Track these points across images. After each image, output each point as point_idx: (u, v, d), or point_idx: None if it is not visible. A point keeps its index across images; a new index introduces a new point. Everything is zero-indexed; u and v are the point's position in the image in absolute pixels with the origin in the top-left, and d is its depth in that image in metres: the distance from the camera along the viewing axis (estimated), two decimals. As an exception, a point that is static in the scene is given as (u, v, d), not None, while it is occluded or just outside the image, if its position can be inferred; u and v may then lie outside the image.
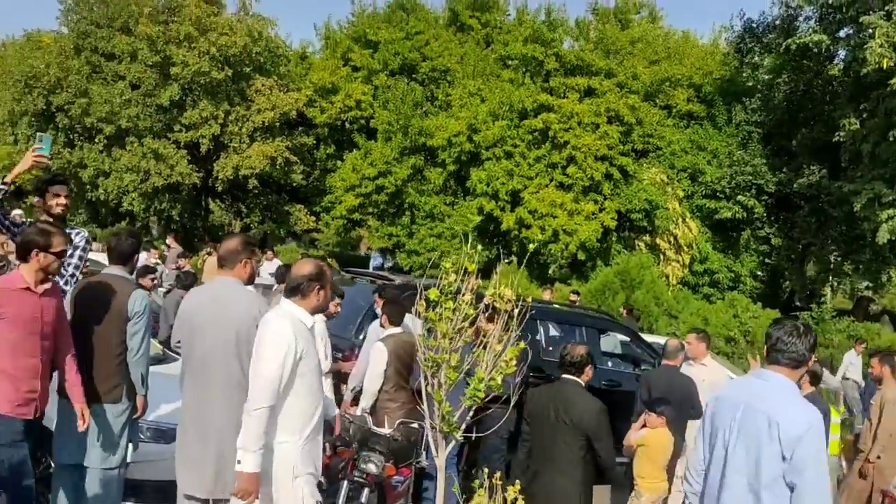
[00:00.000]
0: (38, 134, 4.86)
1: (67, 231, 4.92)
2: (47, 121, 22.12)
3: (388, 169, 22.98)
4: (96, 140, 22.02)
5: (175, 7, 22.50)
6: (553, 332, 8.69)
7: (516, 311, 2.97)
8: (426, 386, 2.94)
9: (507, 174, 21.56)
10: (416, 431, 5.22)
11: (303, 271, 3.68)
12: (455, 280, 3.07)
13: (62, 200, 4.82)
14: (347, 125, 26.13)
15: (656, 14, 29.24)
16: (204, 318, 4.06)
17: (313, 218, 26.24)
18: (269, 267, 13.28)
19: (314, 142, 25.91)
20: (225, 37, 22.03)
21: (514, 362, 2.90)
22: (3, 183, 4.47)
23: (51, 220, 4.74)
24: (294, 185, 25.25)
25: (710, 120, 23.99)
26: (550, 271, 22.30)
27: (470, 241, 3.06)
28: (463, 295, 2.99)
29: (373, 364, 5.76)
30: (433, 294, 3.01)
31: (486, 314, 3.14)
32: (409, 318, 6.39)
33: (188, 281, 10.46)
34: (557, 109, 21.61)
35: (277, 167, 23.14)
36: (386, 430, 5.19)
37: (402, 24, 26.37)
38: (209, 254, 14.08)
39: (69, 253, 4.82)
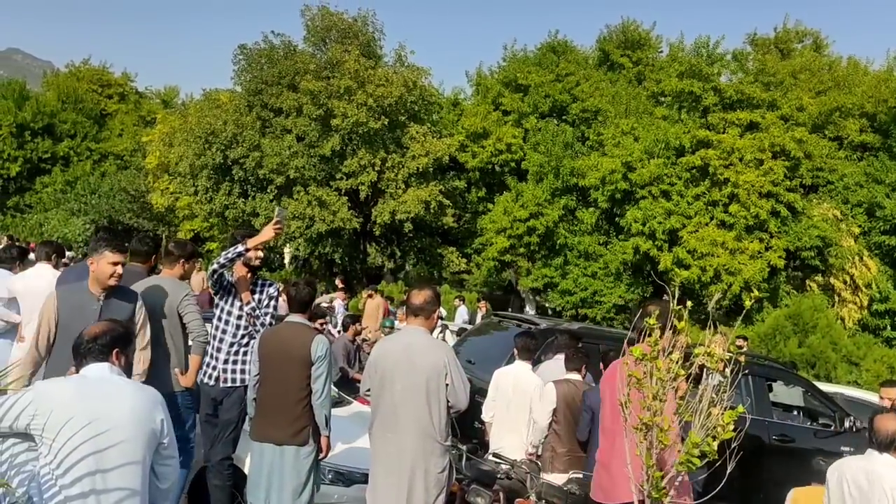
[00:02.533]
0: (276, 208, 5.24)
1: (263, 282, 5.28)
2: (224, 173, 23.98)
3: (539, 210, 22.95)
4: (268, 190, 23.61)
5: (336, 63, 23.86)
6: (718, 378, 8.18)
7: (728, 370, 2.80)
8: (639, 448, 2.82)
9: (665, 213, 20.89)
10: (588, 485, 5.08)
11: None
12: (655, 335, 2.95)
13: (259, 254, 5.16)
14: (498, 168, 26.45)
15: (821, 42, 27.62)
16: (395, 366, 4.15)
17: (464, 260, 26.61)
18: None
19: (466, 185, 26.40)
20: (382, 88, 23.06)
21: (731, 427, 2.72)
22: (246, 249, 4.86)
23: (249, 270, 5.11)
24: (446, 227, 25.78)
25: (886, 150, 22.19)
26: (710, 313, 21.19)
27: (676, 296, 2.92)
28: (671, 352, 2.86)
29: (543, 401, 5.74)
30: (637, 351, 2.91)
31: (690, 371, 2.99)
32: (551, 364, 6.35)
33: (348, 323, 10.83)
34: (717, 145, 20.77)
35: (431, 211, 23.74)
36: (560, 481, 5.10)
37: (553, 66, 26.52)
38: (370, 296, 14.54)
39: (265, 303, 5.17)
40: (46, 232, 29.21)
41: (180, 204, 26.77)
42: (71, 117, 36.05)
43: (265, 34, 25.50)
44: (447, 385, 4.03)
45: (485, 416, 6.24)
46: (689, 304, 3.25)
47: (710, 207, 21.10)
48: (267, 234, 4.88)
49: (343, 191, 23.73)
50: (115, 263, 4.28)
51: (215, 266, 4.96)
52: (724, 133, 21.28)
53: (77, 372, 2.95)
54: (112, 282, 4.30)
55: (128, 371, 3.06)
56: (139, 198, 30.44)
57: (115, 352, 2.96)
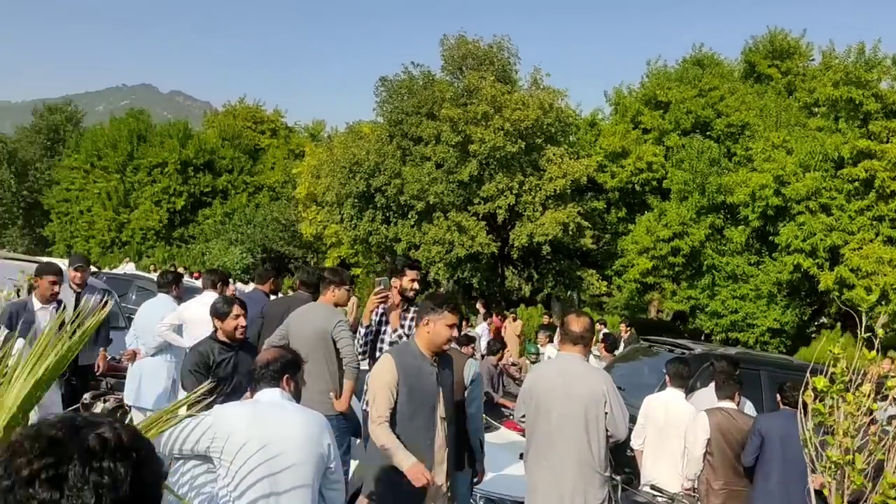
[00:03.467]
0: (377, 279, 5.40)
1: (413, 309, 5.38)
2: (367, 201, 24.86)
3: (683, 230, 22.12)
4: (409, 216, 24.23)
5: (473, 90, 24.22)
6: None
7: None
8: (827, 489, 2.60)
9: (826, 228, 19.53)
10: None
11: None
12: (841, 366, 2.72)
13: (416, 285, 5.27)
14: (638, 187, 25.79)
15: None
16: (550, 393, 4.10)
17: (604, 282, 26.04)
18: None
19: (605, 206, 25.90)
20: (518, 112, 23.14)
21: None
22: (367, 328, 5.14)
23: (403, 300, 5.21)
24: (585, 249, 25.37)
25: None
26: (881, 336, 19.50)
27: (864, 323, 2.68)
28: (861, 385, 2.63)
29: (697, 432, 5.48)
30: (820, 383, 2.69)
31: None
32: (706, 393, 6.03)
33: (496, 348, 10.85)
34: (881, 156, 19.23)
35: (569, 233, 23.46)
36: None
37: (695, 81, 25.64)
38: (514, 320, 14.52)
39: (408, 329, 5.29)
40: (208, 261, 31.37)
41: (327, 232, 27.98)
42: (229, 153, 38.71)
43: (405, 66, 26.35)
44: (606, 413, 3.92)
45: (634, 444, 6.05)
46: (863, 328, 2.98)
47: (875, 222, 19.54)
48: (371, 304, 5.07)
49: (481, 215, 23.93)
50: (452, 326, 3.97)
51: (360, 350, 5.13)
52: (888, 143, 19.68)
53: (251, 397, 3.11)
54: (446, 346, 4.02)
55: (297, 396, 3.19)
56: (290, 227, 32.11)
57: (285, 377, 3.10)
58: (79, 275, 6.77)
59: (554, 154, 23.88)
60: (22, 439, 1.11)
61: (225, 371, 4.70)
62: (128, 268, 23.37)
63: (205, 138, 39.50)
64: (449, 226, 23.41)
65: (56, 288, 5.97)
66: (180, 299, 7.00)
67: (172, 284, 7.05)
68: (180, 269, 21.13)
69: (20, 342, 2.95)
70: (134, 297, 14.25)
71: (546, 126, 24.22)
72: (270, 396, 3.03)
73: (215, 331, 4.86)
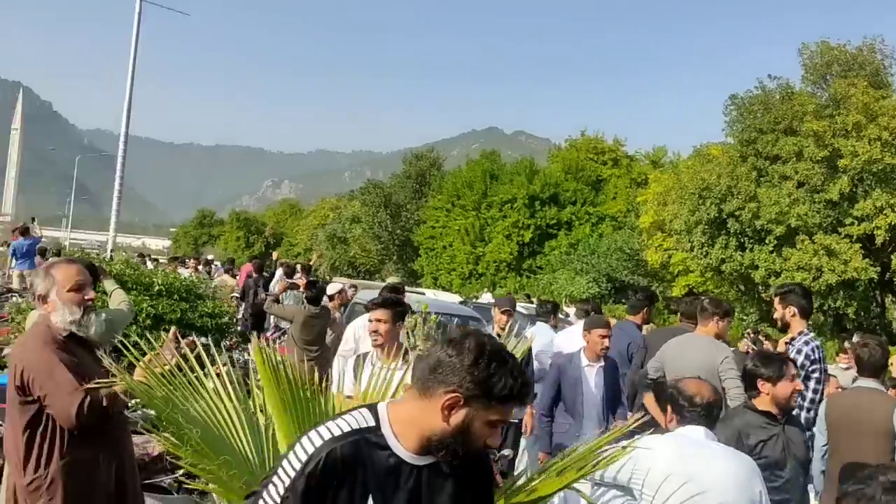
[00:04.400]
0: None
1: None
2: (719, 227, 23.67)
3: None
4: (766, 241, 22.52)
5: (840, 99, 21.85)
6: None
7: None
8: None
9: None
10: None
11: None
12: None
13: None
14: None
15: None
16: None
17: None
18: None
19: None
20: (897, 119, 20.31)
21: None
22: None
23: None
24: None
25: None
26: None
27: None
28: None
29: None
30: None
31: None
32: None
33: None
34: None
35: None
36: None
37: None
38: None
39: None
40: (555, 290, 32.48)
41: (674, 260, 27.21)
42: (572, 186, 39.92)
43: (759, 80, 24.77)
44: None
45: None
46: None
47: None
48: None
49: (855, 237, 21.30)
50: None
51: None
52: None
53: (670, 426, 3.06)
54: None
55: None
56: (634, 256, 31.90)
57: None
58: (504, 318, 6.15)
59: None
60: None
61: (774, 452, 3.35)
62: (484, 297, 25.19)
63: (549, 173, 41.26)
64: (816, 250, 21.24)
65: (606, 342, 5.43)
66: (555, 328, 7.30)
67: (551, 314, 7.37)
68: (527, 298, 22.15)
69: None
70: (498, 325, 15.22)
71: (936, 132, 20.85)
72: (696, 434, 2.95)
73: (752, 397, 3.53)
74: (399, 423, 1.73)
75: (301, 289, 9.45)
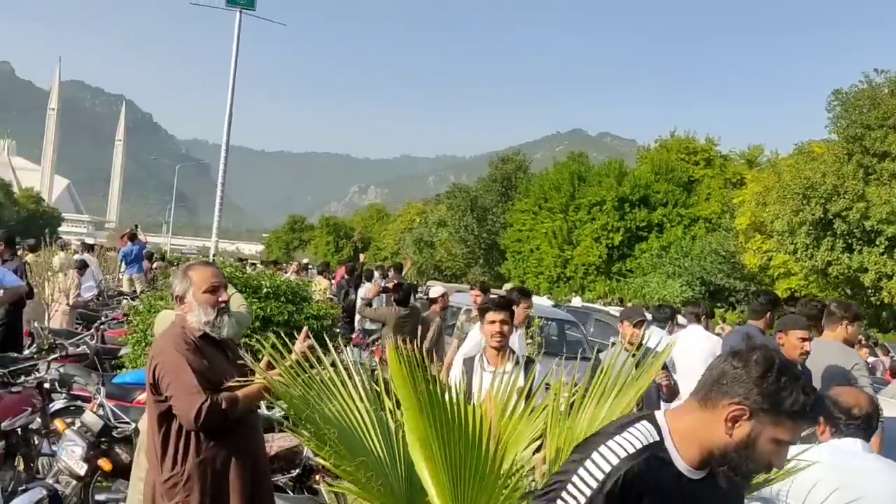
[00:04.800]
0: None
1: None
2: (825, 228, 22.56)
3: None
4: (877, 242, 21.33)
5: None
6: None
7: None
8: None
9: None
10: None
11: None
12: None
13: None
14: None
15: None
16: None
17: None
18: None
19: None
20: None
21: None
22: None
23: None
24: None
25: None
26: None
27: None
28: None
29: None
30: None
31: None
32: None
33: None
34: None
35: None
36: None
37: None
38: None
39: None
40: (647, 294, 31.74)
41: (774, 262, 26.11)
42: (663, 187, 38.93)
43: (865, 74, 23.51)
44: None
45: None
46: None
47: None
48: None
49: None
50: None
51: None
52: None
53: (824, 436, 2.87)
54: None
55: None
56: (730, 258, 30.80)
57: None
58: (636, 332, 5.57)
59: None
60: None
61: None
62: (574, 301, 24.83)
63: (639, 174, 40.39)
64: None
65: (806, 346, 4.71)
66: (669, 334, 7.07)
67: (668, 320, 7.15)
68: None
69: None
70: (592, 329, 14.99)
71: None
72: (852, 447, 2.75)
73: None
74: (679, 435, 1.70)
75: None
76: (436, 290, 9.04)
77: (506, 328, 3.85)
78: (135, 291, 13.52)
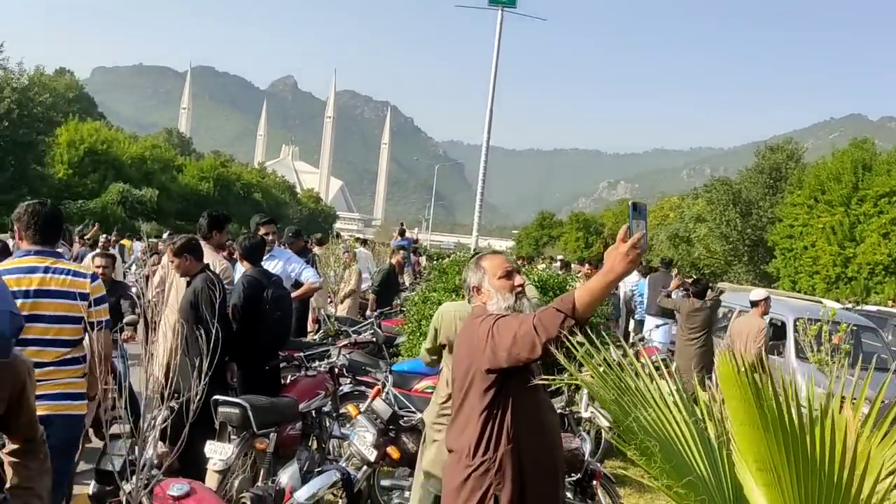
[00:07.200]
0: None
1: None
2: None
3: None
4: None
5: None
6: None
7: None
8: None
9: None
10: None
11: None
12: None
13: None
14: None
15: None
16: None
17: None
18: None
19: None
20: None
21: None
22: None
23: None
24: None
25: None
26: None
27: None
28: None
29: None
30: None
31: None
32: None
33: None
34: None
35: None
36: None
37: None
38: None
39: None
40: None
41: None
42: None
43: None
44: None
45: None
46: None
47: None
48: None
49: None
50: None
51: None
52: None
53: None
54: None
55: None
56: None
57: None
58: None
59: None
60: None
61: None
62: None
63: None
64: None
65: None
66: None
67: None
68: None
69: None
70: (890, 336, 13.18)
71: None
72: None
73: None
74: None
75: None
76: (757, 293, 8.95)
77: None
78: (412, 283, 14.47)
